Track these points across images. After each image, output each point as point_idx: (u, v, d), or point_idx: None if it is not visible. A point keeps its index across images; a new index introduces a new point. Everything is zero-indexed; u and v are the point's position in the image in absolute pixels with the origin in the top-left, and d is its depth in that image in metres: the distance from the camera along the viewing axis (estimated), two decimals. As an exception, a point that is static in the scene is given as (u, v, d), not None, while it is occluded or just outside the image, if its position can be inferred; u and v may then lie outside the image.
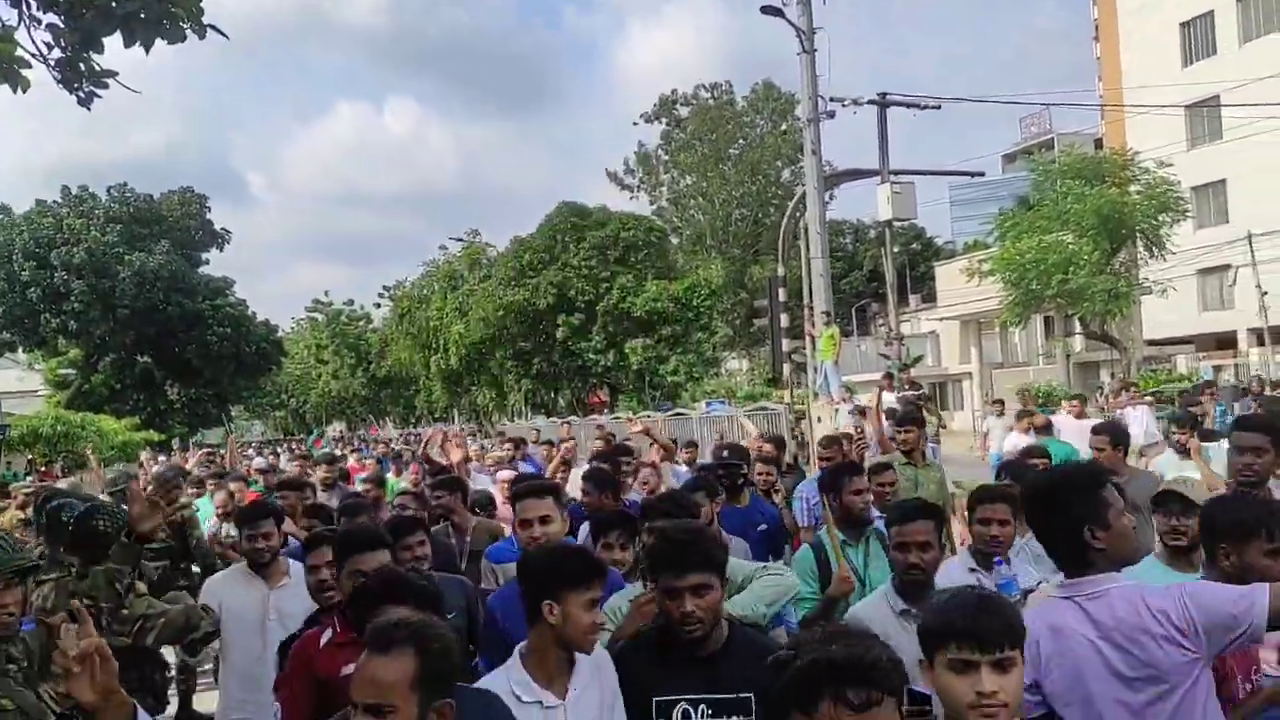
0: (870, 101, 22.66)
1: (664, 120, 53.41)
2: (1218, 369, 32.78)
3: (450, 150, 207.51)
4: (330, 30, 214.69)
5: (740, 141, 52.60)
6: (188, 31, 5.33)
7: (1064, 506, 2.81)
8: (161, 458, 23.04)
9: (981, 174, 33.58)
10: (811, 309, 22.55)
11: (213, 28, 5.34)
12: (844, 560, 4.35)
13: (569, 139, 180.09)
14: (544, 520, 4.05)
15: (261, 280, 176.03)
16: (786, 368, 26.65)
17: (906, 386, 21.10)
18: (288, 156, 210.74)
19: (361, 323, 68.91)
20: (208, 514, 8.42)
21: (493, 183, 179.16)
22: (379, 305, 65.14)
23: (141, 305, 46.07)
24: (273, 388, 67.59)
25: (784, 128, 50.54)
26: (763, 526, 6.09)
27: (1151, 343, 37.33)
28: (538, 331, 40.82)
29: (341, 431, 62.83)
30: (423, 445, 11.02)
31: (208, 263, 52.65)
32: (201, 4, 5.22)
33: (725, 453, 6.73)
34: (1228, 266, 34.09)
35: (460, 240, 49.09)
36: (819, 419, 18.74)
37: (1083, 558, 2.76)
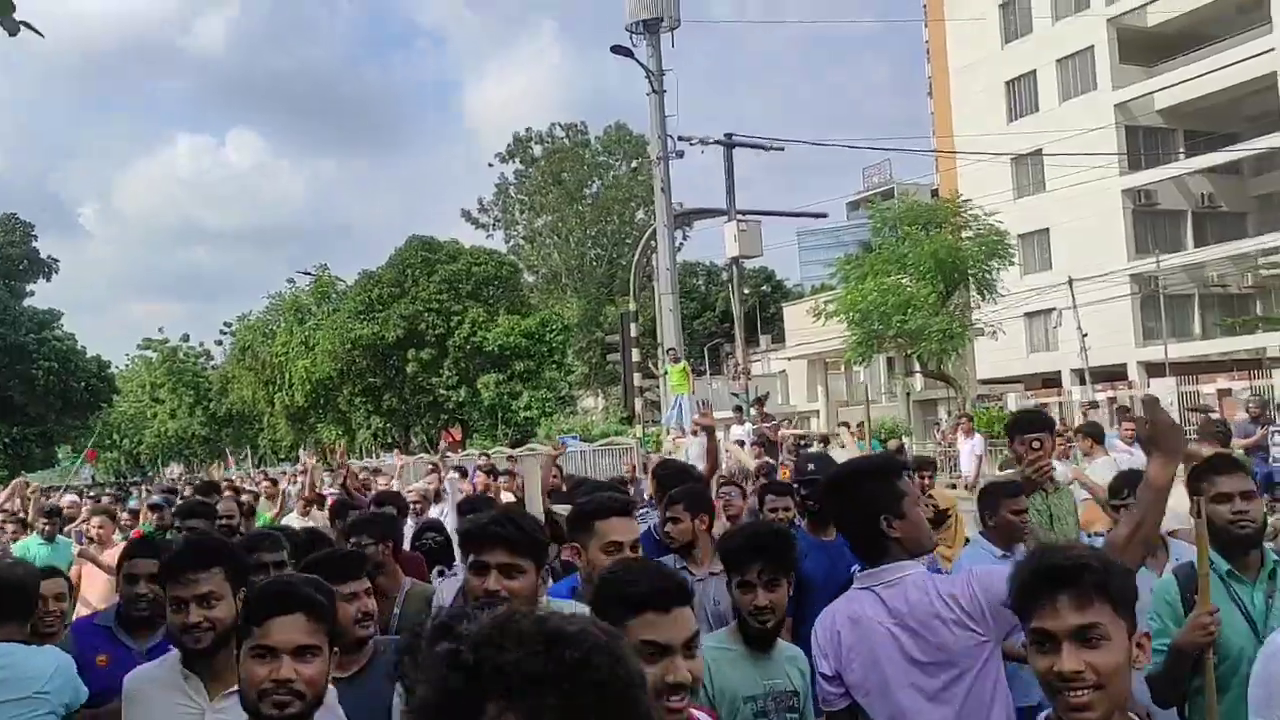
0: (717, 142, 23.25)
1: (518, 159, 53.54)
2: (1044, 406, 34.60)
3: (297, 186, 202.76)
4: (171, 60, 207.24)
5: (595, 181, 53.15)
6: (-3, 27, 5.06)
7: (860, 496, 2.86)
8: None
9: (825, 215, 34.95)
10: (662, 347, 22.87)
11: (27, 25, 5.07)
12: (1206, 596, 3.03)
13: (421, 177, 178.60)
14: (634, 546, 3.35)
15: (93, 315, 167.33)
16: (639, 404, 26.89)
17: (760, 421, 21.59)
18: (122, 188, 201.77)
19: (201, 360, 66.10)
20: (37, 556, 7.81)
21: (342, 219, 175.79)
22: (220, 342, 62.73)
23: (-43, 338, 43.17)
24: (104, 427, 64.04)
25: (636, 167, 51.34)
26: (856, 568, 5.00)
27: (984, 381, 39.20)
28: (387, 366, 40.03)
29: (181, 473, 59.95)
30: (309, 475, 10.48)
31: (33, 294, 49.72)
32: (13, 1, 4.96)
33: (811, 466, 5.17)
34: (1052, 310, 36.14)
35: (309, 274, 47.86)
36: (670, 454, 18.96)
37: (879, 546, 2.81)
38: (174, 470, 66.29)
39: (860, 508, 2.85)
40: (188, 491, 18.27)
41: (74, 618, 4.93)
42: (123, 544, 7.78)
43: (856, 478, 2.97)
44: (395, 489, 10.65)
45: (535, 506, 4.33)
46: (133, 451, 71.53)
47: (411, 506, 8.03)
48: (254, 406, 49.58)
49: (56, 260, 50.11)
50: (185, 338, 66.46)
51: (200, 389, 62.79)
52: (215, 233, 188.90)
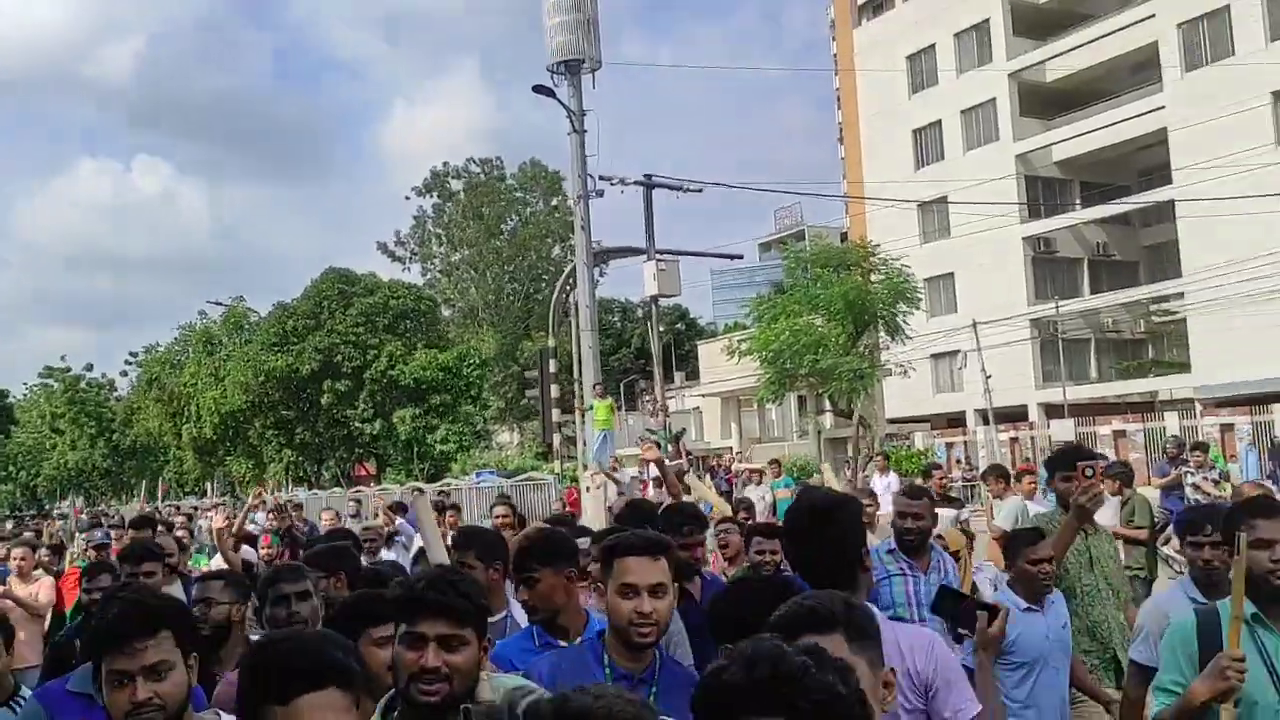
0: (637, 182, 23.68)
1: (435, 193, 53.58)
2: (949, 445, 35.70)
3: (207, 215, 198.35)
4: (72, 85, 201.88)
5: (512, 217, 53.41)
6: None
7: (842, 526, 2.88)
8: None
9: (740, 256, 35.67)
10: (581, 383, 23.12)
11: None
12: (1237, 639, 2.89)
13: (335, 209, 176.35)
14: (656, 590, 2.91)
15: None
16: (557, 439, 27.06)
17: (677, 457, 21.93)
18: (21, 213, 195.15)
19: (104, 390, 64.23)
20: None
21: (255, 249, 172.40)
22: (125, 373, 61.11)
23: None
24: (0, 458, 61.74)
25: (554, 204, 51.74)
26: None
27: (892, 420, 40.23)
28: (301, 399, 39.54)
29: (80, 507, 57.96)
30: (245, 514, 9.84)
31: (-74, 320, 47.95)
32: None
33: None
34: (957, 352, 37.34)
35: (221, 305, 47.07)
36: (588, 488, 19.16)
37: (853, 579, 2.77)
38: (69, 503, 64.05)
39: (840, 538, 2.82)
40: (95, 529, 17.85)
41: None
42: (45, 580, 7.72)
43: (839, 509, 2.94)
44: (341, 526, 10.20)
45: (437, 555, 3.84)
46: (29, 484, 68.99)
47: (365, 546, 7.73)
48: (160, 439, 48.37)
49: (-48, 286, 48.43)
50: (89, 367, 64.66)
51: (103, 420, 60.96)
52: (119, 260, 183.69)
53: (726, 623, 2.69)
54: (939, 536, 5.40)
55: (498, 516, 8.29)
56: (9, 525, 18.93)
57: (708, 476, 20.76)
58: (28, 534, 11.29)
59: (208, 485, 51.59)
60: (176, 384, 45.14)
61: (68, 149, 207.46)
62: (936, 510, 6.03)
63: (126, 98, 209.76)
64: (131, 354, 58.45)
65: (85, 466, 62.31)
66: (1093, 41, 38.03)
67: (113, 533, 10.92)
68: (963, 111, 41.26)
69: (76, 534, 17.73)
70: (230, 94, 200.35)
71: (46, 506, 64.08)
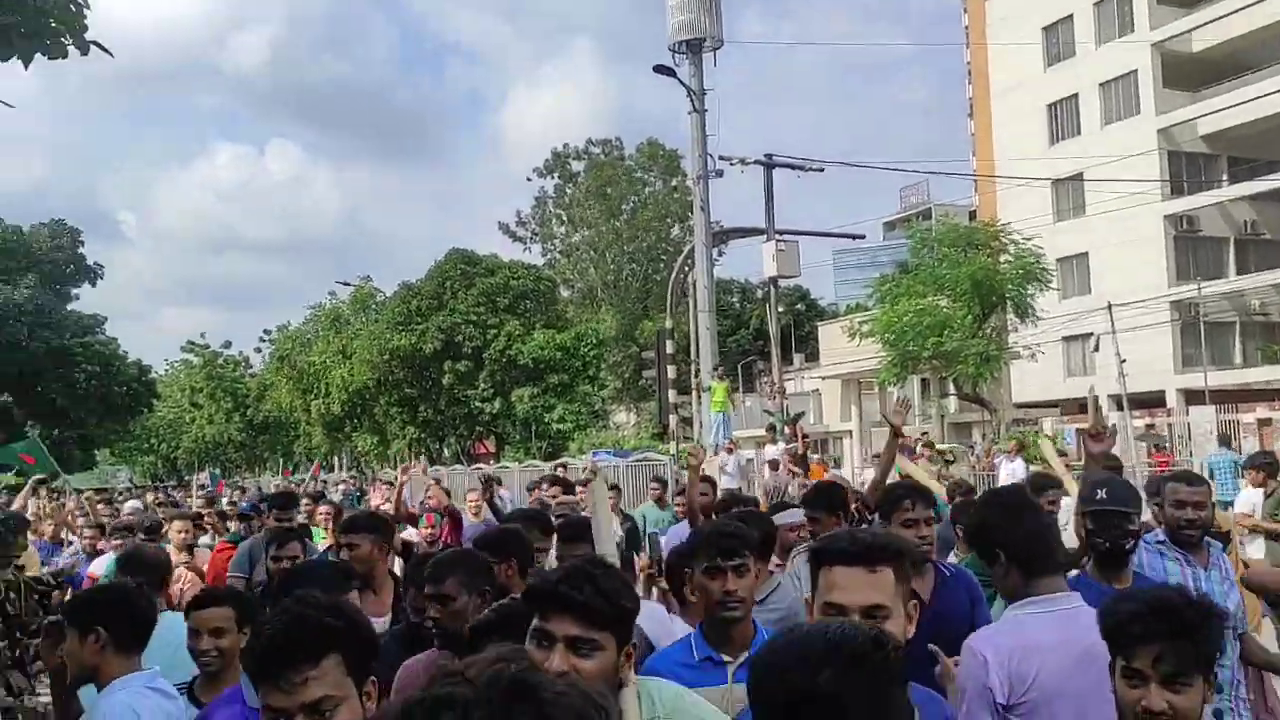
0: (757, 162, 23.31)
1: (556, 174, 53.89)
2: (1080, 431, 34.30)
3: (335, 197, 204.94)
4: (210, 75, 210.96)
5: (632, 198, 53.37)
6: (69, 47, 5.26)
7: (1037, 514, 2.93)
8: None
9: (863, 236, 34.82)
10: (698, 363, 22.93)
11: (97, 44, 5.27)
12: None
13: (456, 191, 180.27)
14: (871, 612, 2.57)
15: (133, 322, 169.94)
16: (673, 420, 26.94)
17: (793, 440, 21.62)
18: (162, 197, 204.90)
19: (240, 367, 67.00)
20: None
21: (378, 231, 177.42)
22: (259, 350, 63.54)
23: (3, 340, 43.93)
24: (142, 432, 64.97)
25: (674, 184, 51.50)
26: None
27: (1020, 405, 38.89)
28: (424, 378, 40.38)
29: (221, 480, 60.58)
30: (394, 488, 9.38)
31: (78, 298, 50.66)
32: (85, 20, 5.16)
33: (1102, 493, 3.51)
34: (1090, 334, 35.85)
35: (349, 285, 48.41)
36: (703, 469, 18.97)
37: (1053, 565, 2.84)
38: (206, 475, 67.00)
39: (1039, 526, 2.89)
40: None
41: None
42: (207, 549, 7.93)
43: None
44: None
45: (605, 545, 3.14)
46: (169, 455, 72.51)
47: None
48: (290, 414, 50.11)
49: (101, 266, 51.11)
50: (227, 344, 67.55)
51: (238, 396, 63.64)
52: (252, 242, 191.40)
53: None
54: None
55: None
56: (150, 496, 19.68)
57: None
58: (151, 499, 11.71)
59: (334, 460, 53.26)
60: (306, 362, 46.64)
61: (205, 135, 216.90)
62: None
63: (259, 85, 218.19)
64: (265, 332, 60.80)
65: (221, 440, 65.18)
66: (1242, 9, 35.76)
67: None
68: (1101, 84, 39.43)
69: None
70: (356, 80, 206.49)
71: (185, 477, 67.26)
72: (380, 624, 4.21)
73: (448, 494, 9.47)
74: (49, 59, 5.25)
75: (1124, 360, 32.43)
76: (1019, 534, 2.84)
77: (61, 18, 5.06)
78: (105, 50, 5.43)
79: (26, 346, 44.64)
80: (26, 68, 5.20)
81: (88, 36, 5.33)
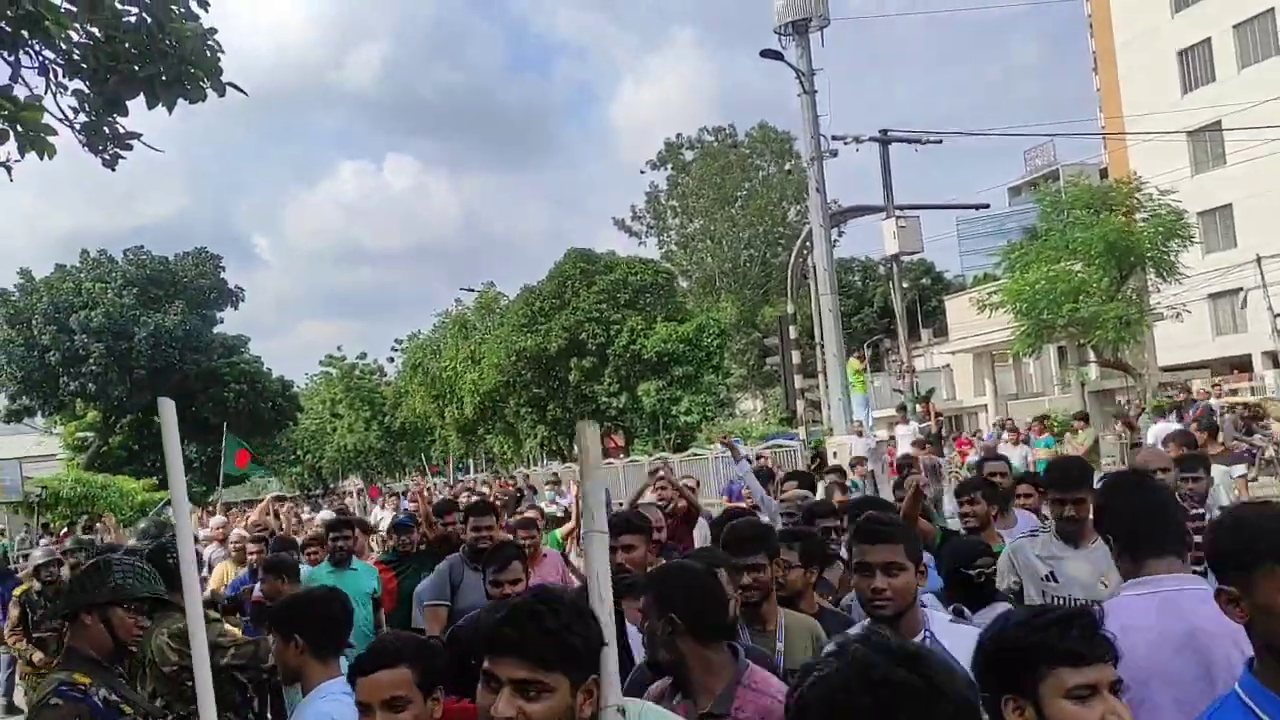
0: (871, 139, 22.91)
1: (669, 165, 53.95)
2: (1233, 392, 32.67)
3: (452, 204, 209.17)
4: (327, 94, 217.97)
5: (746, 184, 53.05)
6: (208, 90, 5.52)
7: (1154, 493, 2.88)
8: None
9: (987, 206, 33.82)
10: (822, 346, 22.67)
11: (233, 85, 5.53)
12: None
13: (570, 189, 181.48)
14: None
15: (271, 339, 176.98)
16: (800, 404, 26.72)
17: (926, 418, 21.21)
18: (291, 217, 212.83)
19: (375, 376, 69.26)
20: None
21: (496, 234, 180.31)
22: (392, 359, 65.55)
23: (158, 365, 46.46)
24: (288, 444, 67.83)
25: (788, 167, 50.97)
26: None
27: (1166, 368, 37.23)
28: (550, 377, 41.00)
29: (359, 486, 62.79)
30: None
31: (222, 321, 53.08)
32: (220, 64, 5.42)
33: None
34: (1238, 290, 34.09)
35: (473, 290, 49.52)
36: (834, 454, 18.78)
37: (1163, 546, 2.79)
38: (353, 482, 69.40)
39: (1165, 502, 2.89)
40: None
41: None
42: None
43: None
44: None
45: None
46: (315, 465, 75.47)
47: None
48: (425, 420, 51.53)
49: (242, 289, 53.34)
50: (362, 355, 69.92)
51: (375, 404, 65.81)
52: (378, 254, 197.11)
53: None
54: None
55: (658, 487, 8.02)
56: (307, 507, 20.46)
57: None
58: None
59: (469, 462, 54.59)
60: (438, 368, 47.90)
61: (326, 154, 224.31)
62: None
63: (374, 100, 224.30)
64: (397, 341, 62.72)
65: (362, 448, 67.49)
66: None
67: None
68: (1235, 26, 37.34)
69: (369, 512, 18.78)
70: (465, 87, 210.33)
71: (331, 485, 69.86)
72: None
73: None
74: (190, 103, 5.52)
75: (1277, 315, 30.97)
76: (1126, 516, 2.85)
77: (200, 63, 5.31)
78: (240, 90, 5.68)
79: (179, 369, 47.13)
80: (170, 113, 5.47)
81: (223, 79, 5.57)
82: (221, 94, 5.53)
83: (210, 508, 21.23)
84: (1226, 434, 15.48)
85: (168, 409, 2.95)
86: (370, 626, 6.31)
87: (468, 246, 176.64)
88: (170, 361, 46.78)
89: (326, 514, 14.41)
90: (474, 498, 10.41)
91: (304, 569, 6.65)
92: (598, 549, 2.29)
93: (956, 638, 2.86)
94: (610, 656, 2.16)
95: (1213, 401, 19.80)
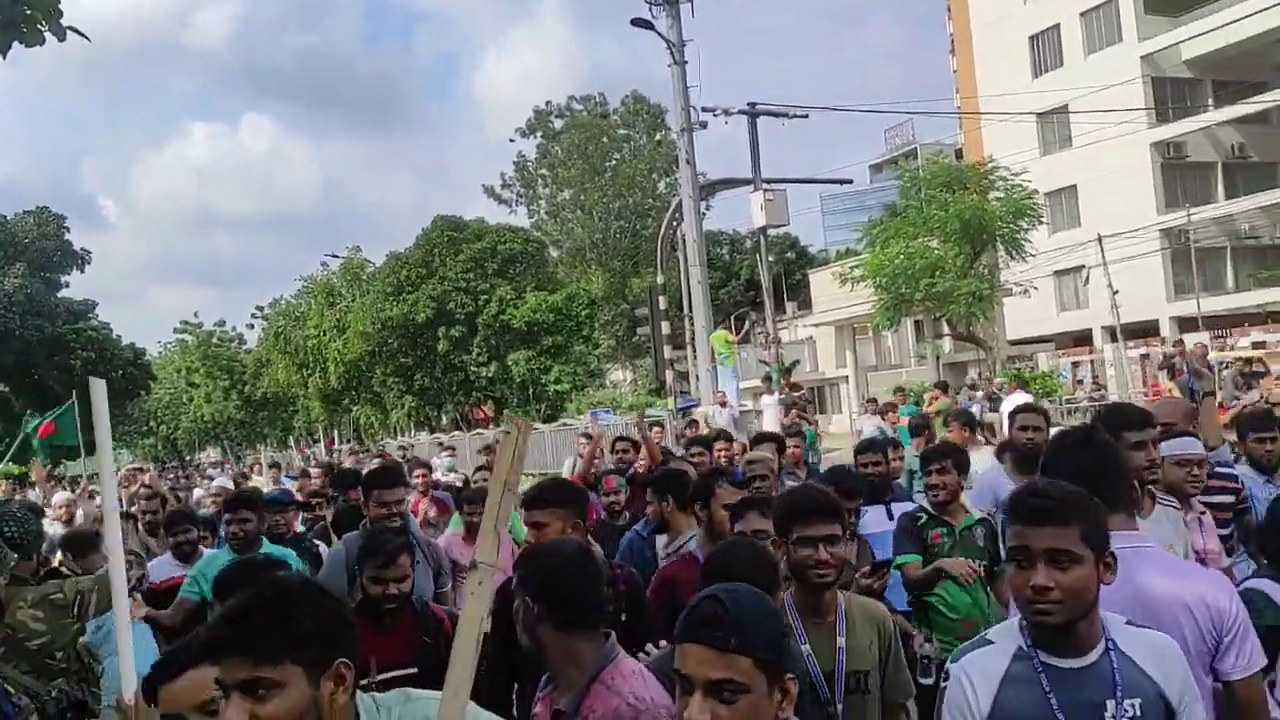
0: (740, 111, 23.18)
1: (539, 134, 53.46)
2: (1076, 365, 34.46)
3: (313, 170, 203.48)
4: (176, 54, 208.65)
5: (616, 154, 53.00)
6: (45, 34, 5.22)
7: (1097, 451, 2.86)
8: (31, 493, 21.03)
9: (850, 181, 34.63)
10: (691, 318, 22.95)
11: (74, 30, 5.24)
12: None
13: (437, 158, 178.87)
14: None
15: (120, 306, 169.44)
16: (669, 375, 26.99)
17: (788, 389, 21.69)
18: (140, 180, 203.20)
19: (234, 344, 66.90)
20: None
21: (361, 203, 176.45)
22: (252, 326, 63.43)
23: (-3, 330, 43.87)
24: (140, 414, 64.99)
25: (658, 139, 51.14)
26: None
27: (1014, 342, 38.99)
28: (419, 346, 40.39)
29: (218, 458, 60.79)
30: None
31: (68, 285, 50.37)
32: (60, 4, 5.12)
33: None
34: (1081, 267, 35.87)
35: (338, 257, 48.25)
36: (705, 424, 19.05)
37: (1114, 504, 2.66)
38: (209, 454, 67.16)
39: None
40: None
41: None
42: None
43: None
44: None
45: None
46: (170, 436, 72.61)
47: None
48: (288, 389, 50.14)
49: (89, 252, 50.70)
50: (220, 322, 67.40)
51: (235, 373, 63.62)
52: (234, 219, 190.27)
53: None
54: None
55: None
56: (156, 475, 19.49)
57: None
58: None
59: (335, 432, 53.40)
60: (301, 336, 46.60)
61: (177, 115, 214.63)
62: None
63: (226, 62, 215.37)
64: (258, 308, 60.63)
65: (220, 418, 65.24)
66: (1223, -72, 35.51)
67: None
68: (1082, 13, 39.13)
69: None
70: (323, 52, 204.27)
71: (186, 457, 67.35)
72: None
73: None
74: (26, 46, 5.22)
75: (1116, 291, 32.74)
76: (1072, 473, 2.61)
77: (38, 4, 5.02)
78: (82, 35, 5.40)
79: (20, 335, 44.54)
80: (4, 56, 5.17)
81: (63, 22, 5.29)
82: (61, 38, 5.24)
83: (53, 483, 20.08)
84: (1226, 392, 15.83)
85: (99, 390, 3.10)
86: None
87: (329, 214, 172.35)
88: (10, 327, 44.14)
89: (223, 481, 14.06)
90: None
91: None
92: (484, 586, 2.03)
93: (1147, 647, 2.28)
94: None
95: (1212, 357, 19.44)
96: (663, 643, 3.03)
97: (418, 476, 9.04)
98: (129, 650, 2.91)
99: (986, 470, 5.87)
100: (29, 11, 5.05)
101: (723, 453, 7.63)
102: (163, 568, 5.91)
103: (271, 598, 1.89)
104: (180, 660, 2.35)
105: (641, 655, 2.92)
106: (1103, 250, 33.61)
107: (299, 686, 1.84)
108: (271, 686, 1.81)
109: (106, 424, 3.07)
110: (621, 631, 2.86)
